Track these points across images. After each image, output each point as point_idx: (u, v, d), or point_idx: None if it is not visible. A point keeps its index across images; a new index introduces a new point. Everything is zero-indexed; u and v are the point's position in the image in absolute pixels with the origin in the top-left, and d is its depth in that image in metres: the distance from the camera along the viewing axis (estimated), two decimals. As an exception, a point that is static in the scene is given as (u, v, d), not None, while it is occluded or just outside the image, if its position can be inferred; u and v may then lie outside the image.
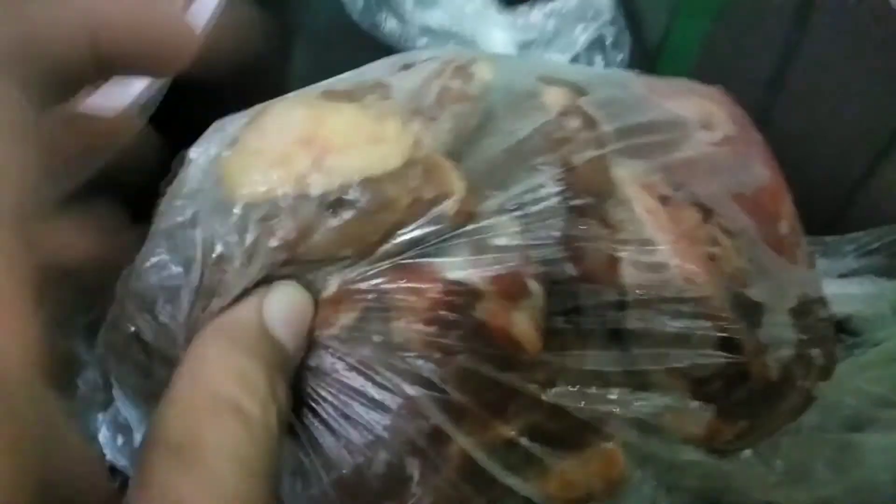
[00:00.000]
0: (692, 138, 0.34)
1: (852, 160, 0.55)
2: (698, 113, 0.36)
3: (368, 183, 0.28)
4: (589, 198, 0.29)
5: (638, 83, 0.38)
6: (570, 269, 0.28)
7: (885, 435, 0.35)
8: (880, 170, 0.52)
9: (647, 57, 0.62)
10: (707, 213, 0.32)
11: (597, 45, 0.50)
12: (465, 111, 0.31)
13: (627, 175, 0.31)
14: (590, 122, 0.31)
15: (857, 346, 0.40)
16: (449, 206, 0.28)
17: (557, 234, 0.28)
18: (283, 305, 0.27)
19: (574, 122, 0.31)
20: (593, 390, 0.29)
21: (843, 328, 0.42)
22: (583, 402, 0.29)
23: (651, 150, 0.32)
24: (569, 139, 0.30)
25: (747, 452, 0.35)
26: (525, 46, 0.48)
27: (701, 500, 0.35)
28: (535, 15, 0.48)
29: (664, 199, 0.31)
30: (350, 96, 0.31)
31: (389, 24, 0.50)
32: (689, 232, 0.30)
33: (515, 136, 0.30)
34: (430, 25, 0.49)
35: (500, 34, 0.47)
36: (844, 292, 0.43)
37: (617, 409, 0.29)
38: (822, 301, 0.35)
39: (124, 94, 0.39)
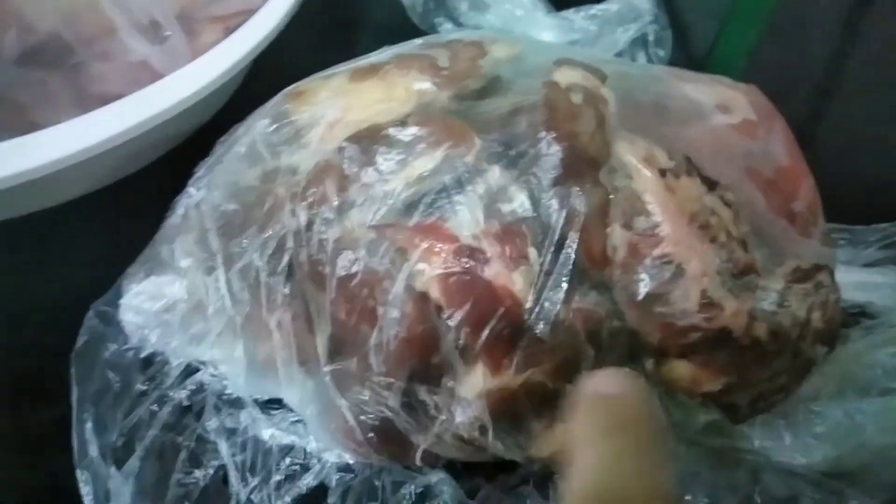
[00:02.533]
0: (706, 118, 0.37)
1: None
2: (717, 97, 0.38)
3: (373, 128, 0.33)
4: (586, 164, 0.32)
5: (662, 69, 0.41)
6: (567, 232, 0.31)
7: (889, 400, 0.36)
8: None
9: (696, 67, 0.63)
10: (711, 185, 0.34)
11: (639, 42, 0.53)
12: (470, 77, 0.35)
13: (630, 148, 0.33)
14: (595, 99, 0.35)
15: (875, 327, 0.41)
16: (469, 155, 0.32)
17: (556, 200, 0.31)
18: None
19: (577, 98, 0.34)
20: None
21: (865, 313, 0.43)
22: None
23: (657, 127, 0.35)
24: (573, 113, 0.34)
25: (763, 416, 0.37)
26: (570, 46, 0.51)
27: (720, 457, 0.37)
28: (580, 18, 0.52)
29: (663, 172, 0.33)
30: (372, 70, 0.36)
31: (445, 27, 0.54)
32: (684, 201, 0.33)
33: (519, 104, 0.33)
34: (483, 27, 0.53)
35: (547, 35, 0.51)
36: (868, 280, 0.44)
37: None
38: (828, 270, 0.36)
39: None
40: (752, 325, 0.33)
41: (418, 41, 0.39)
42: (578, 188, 0.32)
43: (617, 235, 0.32)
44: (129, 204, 0.46)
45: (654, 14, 0.54)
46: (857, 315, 0.43)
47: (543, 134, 0.33)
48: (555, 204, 0.31)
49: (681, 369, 0.33)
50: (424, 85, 0.35)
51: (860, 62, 0.60)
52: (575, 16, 0.52)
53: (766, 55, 0.62)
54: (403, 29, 0.57)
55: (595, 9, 0.52)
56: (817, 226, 0.37)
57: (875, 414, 0.36)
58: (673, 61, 0.58)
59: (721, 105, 0.38)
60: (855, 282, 0.44)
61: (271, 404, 0.38)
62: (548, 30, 0.51)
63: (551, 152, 0.32)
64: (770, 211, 0.35)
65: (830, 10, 0.62)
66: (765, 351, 0.34)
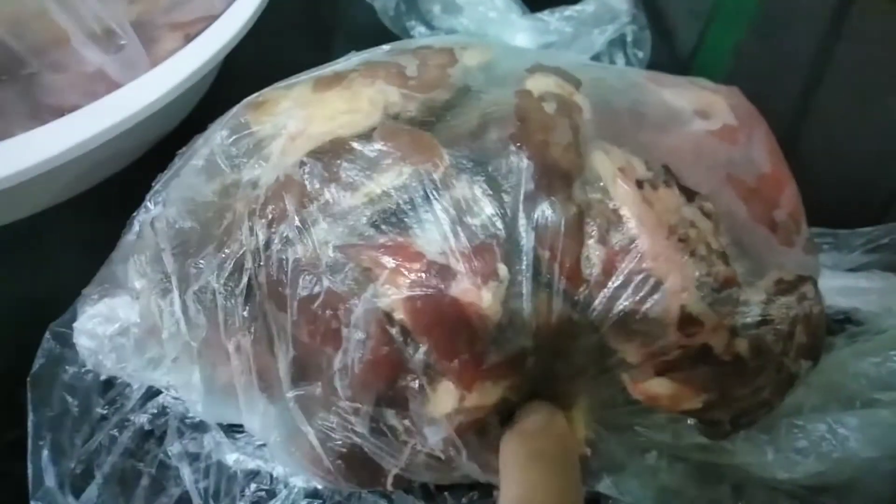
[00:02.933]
0: (684, 124, 0.36)
1: (887, 165, 0.55)
2: (696, 102, 0.37)
3: (336, 141, 0.32)
4: (558, 178, 0.31)
5: (638, 73, 0.39)
6: (538, 250, 0.30)
7: (877, 411, 0.36)
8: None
9: (681, 66, 0.63)
10: (690, 195, 0.33)
11: (618, 43, 0.52)
12: (439, 88, 0.34)
13: (605, 159, 0.32)
14: (568, 108, 0.33)
15: (861, 335, 0.40)
16: (437, 171, 0.31)
17: (527, 216, 0.30)
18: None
19: (550, 108, 0.33)
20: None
21: (850, 319, 0.42)
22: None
23: (634, 135, 0.34)
24: (545, 124, 0.32)
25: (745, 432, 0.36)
26: (546, 48, 0.50)
27: (702, 474, 0.36)
28: (555, 20, 0.50)
29: (640, 183, 0.32)
30: (336, 79, 0.34)
31: (418, 30, 0.53)
32: (662, 214, 0.31)
33: (490, 115, 0.32)
34: (456, 30, 0.51)
35: (521, 37, 0.49)
36: (853, 285, 0.43)
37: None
38: (812, 281, 0.35)
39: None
40: (733, 341, 0.32)
41: (386, 47, 0.37)
42: (550, 203, 0.30)
43: (592, 250, 0.31)
44: (91, 218, 0.44)
45: (631, 14, 0.53)
46: (842, 322, 0.42)
47: (514, 147, 0.31)
48: (525, 220, 0.30)
49: (660, 387, 0.32)
50: (391, 96, 0.33)
51: (845, 59, 0.60)
52: (550, 17, 0.50)
53: (751, 53, 0.61)
54: (380, 31, 0.56)
55: (570, 10, 0.51)
56: (800, 234, 0.36)
57: (859, 427, 0.35)
58: (657, 60, 0.58)
59: (700, 110, 0.37)
60: (839, 287, 0.43)
61: (236, 427, 0.36)
62: (522, 32, 0.50)
63: (522, 166, 0.31)
64: (751, 220, 0.34)
65: (815, 6, 0.61)
66: (747, 367, 0.32)
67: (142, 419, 0.36)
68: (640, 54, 0.54)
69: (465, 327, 0.29)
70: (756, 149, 0.37)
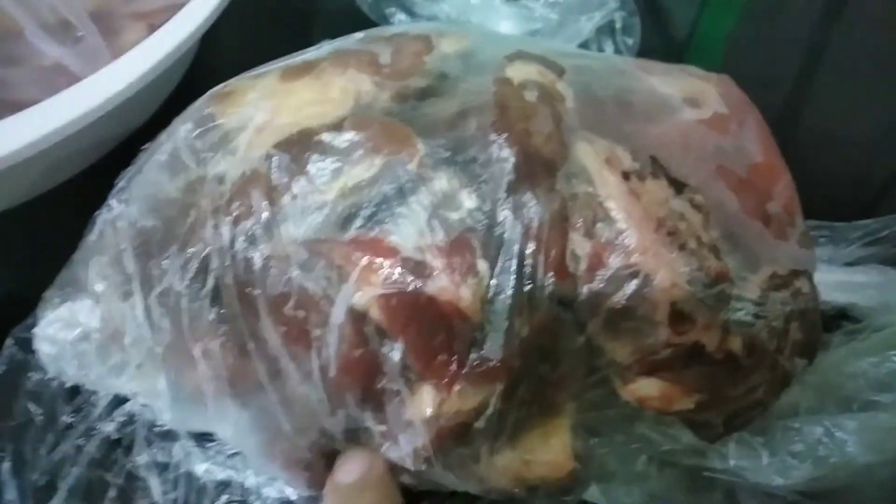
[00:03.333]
0: (673, 113, 0.34)
1: (883, 154, 0.54)
2: (685, 90, 0.36)
3: (305, 133, 0.30)
4: (541, 168, 0.30)
5: (626, 61, 0.38)
6: (521, 241, 0.28)
7: (875, 414, 0.34)
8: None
9: (674, 53, 0.62)
10: (679, 187, 0.32)
11: (606, 30, 0.50)
12: (414, 75, 0.32)
13: (590, 150, 0.31)
14: (550, 97, 0.32)
15: (858, 332, 0.39)
16: (412, 162, 0.29)
17: (508, 209, 0.28)
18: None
19: (531, 96, 0.32)
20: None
21: (847, 315, 0.41)
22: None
23: (620, 124, 0.33)
24: (526, 112, 0.31)
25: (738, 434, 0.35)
26: (531, 35, 0.48)
27: (694, 478, 0.35)
28: (539, 6, 0.49)
29: (627, 174, 0.31)
30: (306, 68, 0.33)
31: (399, 17, 0.51)
32: (650, 206, 0.30)
33: (468, 103, 0.31)
34: (438, 17, 0.50)
35: (506, 24, 0.48)
36: (849, 280, 0.42)
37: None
38: (807, 276, 0.34)
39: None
40: (726, 339, 0.30)
41: (359, 35, 0.36)
42: (533, 194, 0.29)
43: (577, 244, 0.29)
44: (61, 214, 0.42)
45: (620, 0, 0.51)
46: (839, 318, 0.41)
47: (494, 136, 0.30)
48: (507, 212, 0.29)
49: (650, 387, 0.31)
50: (363, 84, 0.32)
51: (841, 44, 0.59)
52: (535, 4, 0.49)
53: (745, 39, 0.61)
54: (360, 19, 0.55)
55: (557, -5, 0.50)
56: (795, 226, 0.35)
57: (857, 430, 0.34)
58: (651, 45, 0.56)
59: (690, 98, 0.36)
60: (836, 282, 0.42)
61: (207, 435, 0.35)
62: (506, 19, 0.48)
63: (503, 156, 0.29)
64: (743, 213, 0.33)
65: None
66: (740, 366, 0.31)
67: (109, 428, 0.35)
68: (630, 41, 0.53)
69: (443, 327, 0.28)
70: (748, 138, 0.36)
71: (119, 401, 0.35)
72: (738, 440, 0.34)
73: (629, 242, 0.29)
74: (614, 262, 0.29)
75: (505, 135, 0.30)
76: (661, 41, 0.61)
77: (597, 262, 0.29)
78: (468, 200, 0.29)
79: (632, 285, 0.29)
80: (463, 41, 0.35)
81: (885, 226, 0.43)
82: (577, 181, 0.30)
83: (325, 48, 0.35)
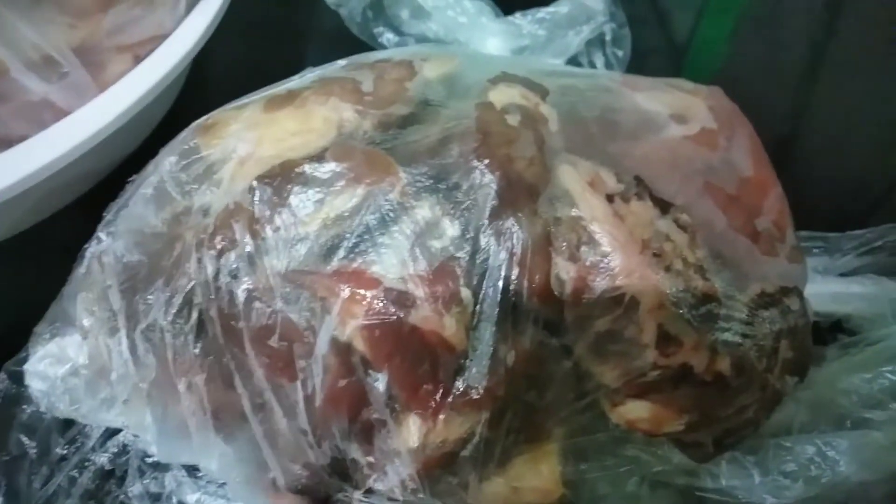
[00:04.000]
0: (659, 130, 0.34)
1: (886, 158, 0.53)
2: (672, 106, 0.36)
3: (287, 164, 0.30)
4: (523, 193, 0.30)
5: (612, 78, 0.38)
6: (505, 268, 0.28)
7: (868, 432, 0.34)
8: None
9: (675, 54, 0.62)
10: (664, 207, 0.32)
11: (596, 43, 0.50)
12: (396, 103, 0.32)
13: (573, 172, 0.31)
14: (533, 120, 0.32)
15: (852, 346, 0.39)
16: (394, 191, 0.29)
17: (491, 235, 0.28)
18: None
19: (514, 120, 0.32)
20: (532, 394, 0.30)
21: (842, 327, 0.41)
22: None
23: (604, 145, 0.32)
24: (508, 137, 0.31)
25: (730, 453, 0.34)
26: (519, 52, 0.48)
27: (685, 499, 0.35)
28: (527, 22, 0.49)
29: (611, 196, 0.30)
30: (289, 98, 0.33)
31: (387, 36, 0.51)
32: (635, 228, 0.30)
33: (450, 130, 0.31)
34: (426, 35, 0.50)
35: (494, 41, 0.48)
36: (845, 291, 0.41)
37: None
38: (797, 292, 0.34)
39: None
40: (714, 360, 0.30)
41: (343, 62, 0.36)
42: (516, 219, 0.29)
43: (562, 268, 0.29)
44: (49, 248, 0.43)
45: (609, 12, 0.51)
46: (834, 330, 0.41)
47: (476, 162, 0.30)
48: (490, 238, 0.28)
49: (639, 410, 0.31)
50: (345, 113, 0.32)
51: (840, 46, 0.58)
52: (522, 20, 0.49)
53: (745, 43, 0.60)
54: (352, 37, 0.55)
55: (543, 12, 0.49)
56: (784, 242, 0.35)
57: (850, 449, 0.33)
58: (652, 48, 0.56)
59: (676, 115, 0.35)
60: (831, 293, 0.42)
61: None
62: (494, 36, 0.48)
63: (485, 182, 0.29)
64: (731, 230, 0.33)
65: None
66: (729, 386, 0.31)
67: (102, 459, 0.35)
68: (620, 53, 0.52)
69: (427, 356, 0.28)
70: (737, 152, 0.35)
71: (112, 432, 0.35)
72: (730, 459, 0.34)
73: (614, 265, 0.29)
74: (599, 285, 0.29)
75: (487, 160, 0.30)
76: (665, 39, 0.62)
77: (582, 286, 0.29)
78: (451, 228, 0.29)
79: (618, 309, 0.29)
80: (447, 65, 0.35)
81: (880, 235, 0.42)
82: (560, 204, 0.30)
83: (308, 76, 0.35)
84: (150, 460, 0.35)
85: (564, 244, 0.29)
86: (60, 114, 0.36)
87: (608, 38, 0.51)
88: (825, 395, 0.37)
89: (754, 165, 0.36)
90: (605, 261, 0.29)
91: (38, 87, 0.36)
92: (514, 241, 0.28)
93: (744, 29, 0.62)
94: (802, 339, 0.33)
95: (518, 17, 0.49)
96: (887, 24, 0.57)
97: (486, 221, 0.29)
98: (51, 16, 0.36)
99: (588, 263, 0.29)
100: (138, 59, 0.39)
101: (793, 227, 0.35)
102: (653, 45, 0.58)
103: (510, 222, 0.29)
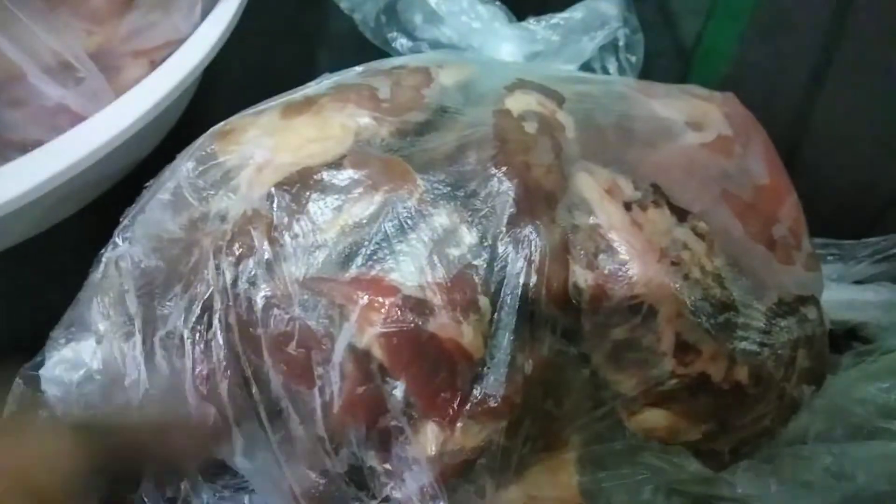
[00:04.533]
0: (675, 138, 0.34)
1: (893, 162, 0.53)
2: (688, 113, 0.36)
3: (305, 171, 0.30)
4: (541, 201, 0.29)
5: (628, 84, 0.38)
6: (523, 275, 0.28)
7: (886, 443, 0.34)
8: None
9: (683, 57, 0.62)
10: (681, 214, 0.32)
11: (609, 48, 0.50)
12: (413, 110, 0.32)
13: (591, 180, 0.31)
14: (550, 127, 0.32)
15: (868, 354, 0.39)
16: (412, 199, 0.29)
17: (509, 243, 0.28)
18: None
19: (531, 127, 0.32)
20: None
21: (857, 335, 0.41)
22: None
23: (621, 153, 0.32)
24: (526, 144, 0.31)
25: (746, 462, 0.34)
26: (533, 57, 0.48)
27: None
28: (541, 28, 0.49)
29: (628, 204, 0.30)
30: (306, 104, 0.33)
31: (400, 41, 0.51)
32: (652, 236, 0.30)
33: (467, 137, 0.31)
34: (439, 40, 0.50)
35: (508, 47, 0.48)
36: (860, 298, 0.41)
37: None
38: (814, 301, 0.34)
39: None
40: (732, 369, 0.30)
41: (359, 68, 0.36)
42: (534, 227, 0.29)
43: (580, 276, 0.29)
44: (65, 252, 0.43)
45: (622, 18, 0.51)
46: (849, 338, 0.41)
47: (494, 170, 0.30)
48: (508, 246, 0.28)
49: (657, 418, 0.31)
50: (362, 120, 0.32)
51: (848, 50, 0.58)
52: (536, 26, 0.49)
53: (752, 48, 0.60)
54: (364, 41, 0.55)
55: (557, 17, 0.49)
56: (801, 249, 0.35)
57: (867, 459, 0.33)
58: (660, 50, 0.56)
59: (693, 122, 0.35)
60: (846, 300, 0.42)
61: (214, 469, 0.35)
62: (507, 41, 0.48)
63: (503, 189, 0.29)
64: (748, 238, 0.33)
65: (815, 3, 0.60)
66: (747, 395, 0.31)
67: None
68: (633, 58, 0.52)
69: (445, 364, 0.28)
70: (753, 159, 0.35)
71: None
72: (746, 468, 0.33)
73: (632, 273, 0.29)
74: (618, 293, 0.29)
75: (504, 168, 0.30)
76: (673, 43, 0.62)
77: (600, 294, 0.29)
78: (468, 236, 0.29)
79: (636, 317, 0.29)
80: (463, 72, 0.35)
81: (893, 243, 0.42)
82: (578, 212, 0.30)
83: (325, 83, 0.35)
84: (164, 464, 0.35)
85: (582, 252, 0.29)
86: (76, 119, 0.36)
87: (621, 43, 0.51)
88: (841, 404, 0.36)
89: (770, 173, 0.35)
90: (624, 269, 0.29)
91: (55, 91, 0.36)
92: (532, 248, 0.28)
93: (751, 34, 0.62)
94: (819, 348, 0.33)
95: (532, 23, 0.49)
96: (894, 30, 0.57)
97: (504, 229, 0.29)
98: (68, 21, 0.36)
99: (606, 272, 0.29)
100: (154, 65, 0.39)
101: (808, 234, 0.35)
102: (661, 49, 0.58)
103: (528, 230, 0.29)
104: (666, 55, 0.61)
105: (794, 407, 0.33)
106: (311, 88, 0.35)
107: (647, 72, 0.52)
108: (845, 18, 0.59)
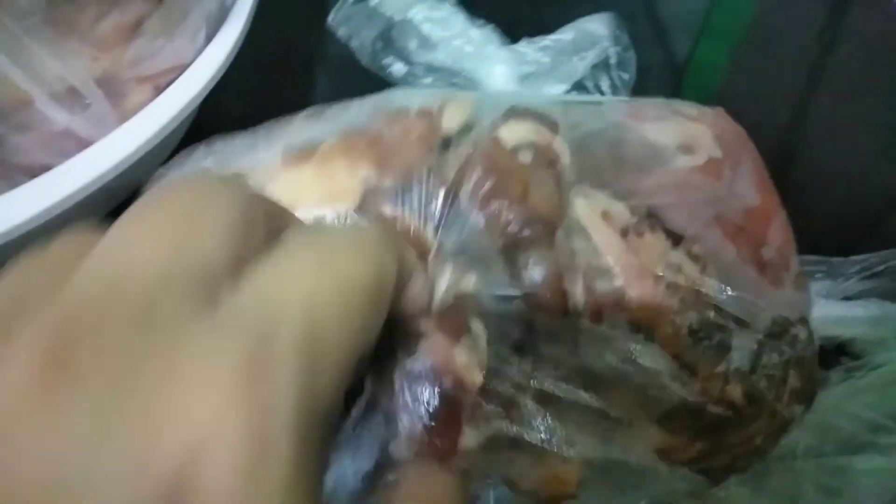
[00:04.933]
0: (667, 163, 0.35)
1: (884, 179, 0.54)
2: (679, 137, 0.36)
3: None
4: (540, 228, 0.30)
5: (619, 109, 0.38)
6: (518, 305, 0.29)
7: (875, 458, 0.35)
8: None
9: (675, 73, 0.63)
10: (676, 239, 0.32)
11: (602, 67, 0.51)
12: (421, 165, 0.32)
13: (587, 205, 0.32)
14: (546, 155, 0.33)
15: (857, 370, 0.40)
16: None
17: (503, 273, 0.29)
18: None
19: (526, 158, 0.32)
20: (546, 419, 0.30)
21: (846, 351, 0.42)
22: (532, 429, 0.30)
23: (616, 178, 0.33)
24: (522, 173, 0.31)
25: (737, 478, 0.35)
26: (525, 78, 0.49)
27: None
28: (532, 50, 0.49)
29: (625, 230, 0.31)
30: (311, 151, 0.33)
31: (396, 66, 0.52)
32: (648, 260, 0.31)
33: (461, 171, 0.31)
34: (434, 65, 0.50)
35: (500, 69, 0.48)
36: (848, 315, 0.42)
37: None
38: (804, 322, 0.35)
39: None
40: (726, 389, 0.31)
41: (363, 107, 0.36)
42: (534, 254, 0.29)
43: (578, 300, 0.30)
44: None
45: (613, 37, 0.52)
46: (838, 354, 0.41)
47: (490, 202, 0.30)
48: (506, 274, 0.29)
49: (652, 436, 0.31)
50: (369, 173, 0.32)
51: (839, 66, 0.59)
52: (527, 48, 0.49)
53: (743, 66, 0.61)
54: (360, 67, 0.55)
55: (548, 39, 0.50)
56: (789, 269, 0.35)
57: (858, 475, 0.34)
58: (651, 64, 0.57)
59: (684, 145, 0.36)
60: (835, 317, 0.42)
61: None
62: (500, 63, 0.49)
63: (504, 218, 0.30)
64: (740, 261, 0.33)
65: (806, 21, 0.61)
66: (741, 415, 0.32)
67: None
68: (626, 76, 0.53)
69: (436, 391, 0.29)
70: (742, 180, 0.36)
71: None
72: (738, 482, 0.34)
73: (629, 297, 0.30)
74: (616, 317, 0.30)
75: (502, 199, 0.30)
76: (662, 64, 0.63)
77: (598, 317, 0.30)
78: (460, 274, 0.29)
79: (634, 340, 0.30)
80: (464, 110, 0.35)
81: (882, 260, 0.43)
82: (576, 237, 0.31)
83: (326, 124, 0.35)
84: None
85: (580, 277, 0.30)
86: (83, 143, 0.37)
87: (613, 61, 0.52)
88: (830, 419, 0.37)
89: (759, 193, 0.36)
90: (620, 293, 0.30)
91: (62, 117, 0.37)
92: (531, 277, 0.29)
93: (742, 51, 0.63)
94: (810, 368, 0.34)
95: (523, 45, 0.50)
96: (883, 47, 0.58)
97: (502, 256, 0.29)
98: (75, 48, 0.37)
99: (603, 295, 0.30)
100: (158, 90, 0.40)
101: (796, 253, 0.36)
102: (653, 64, 0.59)
103: (527, 257, 0.29)
104: (659, 69, 0.62)
105: (785, 426, 0.33)
106: (312, 130, 0.35)
107: (642, 85, 0.53)
108: (835, 35, 0.60)
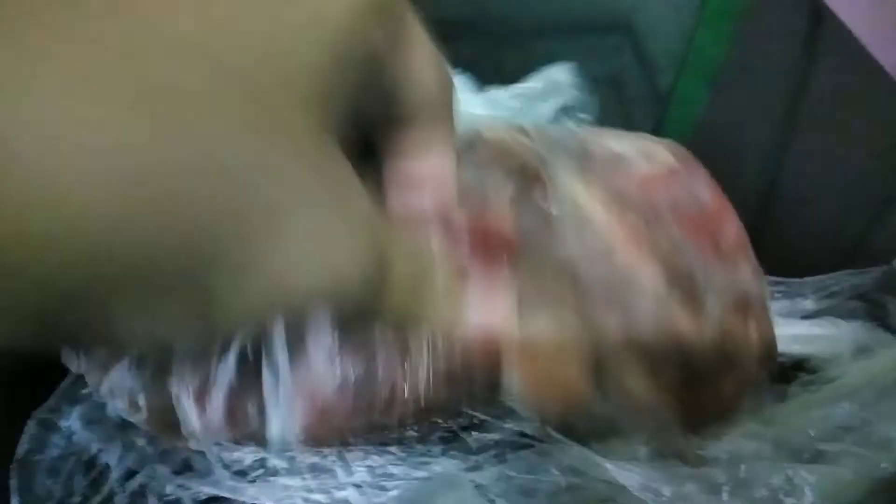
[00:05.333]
0: (630, 166, 0.38)
1: (862, 205, 0.55)
2: (640, 148, 0.39)
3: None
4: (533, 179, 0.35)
5: (580, 129, 0.42)
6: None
7: (821, 467, 0.36)
8: (889, 215, 0.52)
9: (660, 104, 0.66)
10: (648, 224, 0.35)
11: (564, 110, 0.56)
12: None
13: (567, 175, 0.36)
14: (519, 132, 0.37)
15: (812, 384, 0.41)
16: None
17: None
18: None
19: (513, 137, 0.37)
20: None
21: (803, 367, 0.43)
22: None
23: (587, 171, 0.37)
24: (511, 151, 0.36)
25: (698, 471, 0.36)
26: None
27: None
28: (506, 97, 0.54)
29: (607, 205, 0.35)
30: None
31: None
32: (631, 227, 0.34)
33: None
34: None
35: (476, 111, 0.52)
36: (805, 333, 0.44)
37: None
38: (762, 302, 0.38)
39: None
40: (702, 337, 0.34)
41: None
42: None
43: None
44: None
45: (574, 83, 0.56)
46: (796, 370, 0.43)
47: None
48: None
49: (633, 379, 0.34)
50: None
51: (817, 95, 0.60)
52: (502, 95, 0.54)
53: (723, 95, 0.64)
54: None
55: (519, 87, 0.55)
56: (747, 260, 0.38)
57: (817, 482, 0.35)
58: (640, 95, 0.62)
59: (644, 154, 0.39)
60: (794, 335, 0.43)
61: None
62: (475, 107, 0.53)
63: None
64: (699, 251, 0.36)
65: (782, 58, 0.63)
66: (711, 365, 0.35)
67: (121, 500, 0.37)
68: (587, 116, 0.57)
69: None
70: (697, 185, 0.39)
71: (130, 473, 0.37)
72: (697, 479, 0.35)
73: (616, 252, 0.34)
74: (605, 266, 0.34)
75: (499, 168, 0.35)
76: (647, 96, 0.66)
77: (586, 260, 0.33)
78: None
79: (625, 286, 0.33)
80: None
81: (837, 281, 0.45)
82: (563, 203, 0.35)
83: None
84: (167, 499, 0.36)
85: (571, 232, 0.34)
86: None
87: (573, 104, 0.56)
88: (787, 431, 0.38)
89: (712, 195, 0.39)
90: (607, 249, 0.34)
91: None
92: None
93: (720, 86, 0.65)
94: (769, 343, 0.37)
95: (496, 92, 0.54)
96: (860, 74, 0.59)
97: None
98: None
99: (590, 250, 0.34)
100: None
101: (751, 249, 0.38)
102: (640, 97, 0.63)
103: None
104: (645, 102, 0.65)
105: (752, 385, 0.37)
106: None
107: (629, 115, 0.55)
108: (814, 62, 0.61)
